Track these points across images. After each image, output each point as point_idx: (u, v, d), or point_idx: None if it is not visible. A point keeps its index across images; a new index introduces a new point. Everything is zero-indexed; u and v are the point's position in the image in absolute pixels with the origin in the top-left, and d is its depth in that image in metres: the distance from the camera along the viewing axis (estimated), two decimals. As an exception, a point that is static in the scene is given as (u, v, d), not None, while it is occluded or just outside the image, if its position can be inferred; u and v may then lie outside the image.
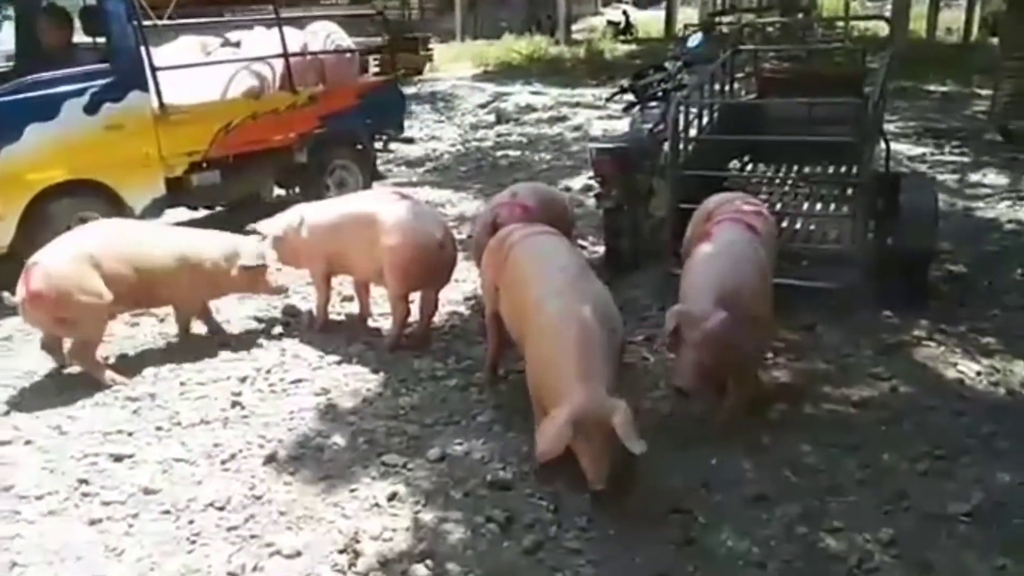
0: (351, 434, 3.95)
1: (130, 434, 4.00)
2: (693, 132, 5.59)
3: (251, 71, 7.19)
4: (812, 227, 5.44)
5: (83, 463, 3.75)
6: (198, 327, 5.15)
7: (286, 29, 7.29)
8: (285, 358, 4.81)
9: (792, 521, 3.22)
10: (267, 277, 5.02)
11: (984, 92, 12.25)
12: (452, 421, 4.07)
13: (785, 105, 6.06)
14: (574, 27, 25.94)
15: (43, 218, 5.69)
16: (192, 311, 5.02)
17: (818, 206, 5.75)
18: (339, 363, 4.72)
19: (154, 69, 6.28)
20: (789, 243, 5.16)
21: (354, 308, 5.41)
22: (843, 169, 5.87)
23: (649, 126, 5.96)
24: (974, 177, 8.31)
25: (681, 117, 5.18)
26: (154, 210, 6.39)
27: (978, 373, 4.33)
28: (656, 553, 3.08)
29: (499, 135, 11.97)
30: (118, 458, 3.78)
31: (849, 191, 5.67)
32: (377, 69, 9.00)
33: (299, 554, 3.11)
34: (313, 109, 7.43)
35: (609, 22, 27.45)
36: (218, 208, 7.71)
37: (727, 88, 6.76)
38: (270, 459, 3.74)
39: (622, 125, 9.21)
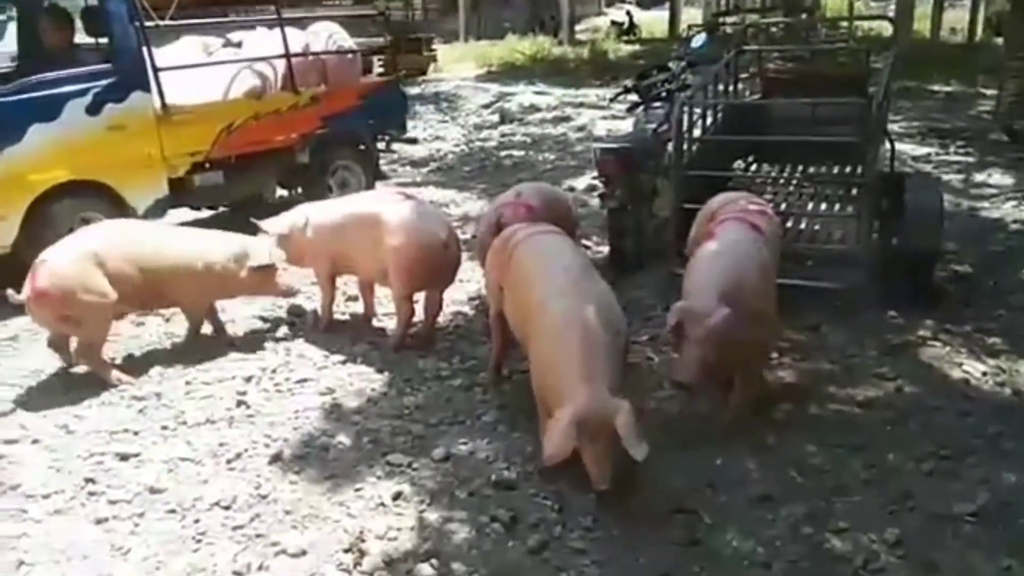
0: (356, 433, 3.96)
1: (136, 433, 4.01)
2: (697, 132, 5.59)
3: (253, 71, 7.20)
4: (817, 227, 5.44)
5: (89, 462, 3.76)
6: (203, 327, 5.16)
7: (288, 29, 7.29)
8: (290, 358, 4.82)
9: (797, 521, 3.22)
10: (277, 278, 4.99)
11: (989, 92, 12.24)
12: (457, 421, 4.07)
13: (789, 105, 6.06)
14: (577, 27, 25.95)
15: (45, 219, 5.70)
16: (201, 312, 5.01)
17: (822, 206, 5.75)
18: (344, 363, 4.73)
19: (156, 69, 6.28)
20: (794, 243, 5.15)
21: (359, 308, 5.42)
22: (847, 169, 5.87)
23: (653, 126, 5.96)
24: (979, 177, 8.30)
25: (685, 117, 5.18)
26: (157, 211, 6.39)
27: (984, 373, 4.32)
28: (661, 553, 3.08)
29: (503, 135, 11.98)
30: (124, 457, 3.79)
31: (853, 191, 5.66)
32: (381, 69, 9.00)
33: (304, 553, 3.12)
34: (315, 110, 7.43)
35: (613, 22, 27.45)
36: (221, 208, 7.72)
37: (731, 88, 6.76)
38: (275, 458, 3.75)
39: (626, 125, 9.22)
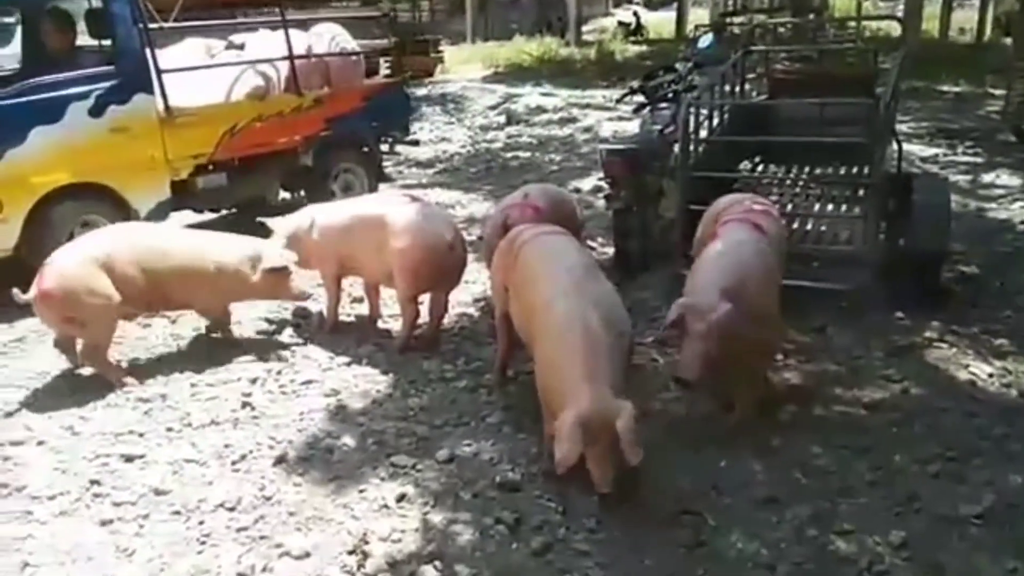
0: (361, 435, 3.96)
1: (141, 435, 4.03)
2: (703, 133, 5.57)
3: (256, 73, 7.20)
4: (823, 228, 5.41)
5: (95, 464, 3.78)
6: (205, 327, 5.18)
7: (291, 31, 7.29)
8: (295, 359, 4.82)
9: (802, 523, 3.21)
10: (289, 282, 4.94)
11: (997, 92, 12.18)
12: (461, 422, 4.07)
13: (796, 106, 6.04)
14: (584, 28, 25.91)
15: (47, 221, 5.71)
16: (218, 314, 5.00)
17: (829, 207, 5.73)
18: (349, 364, 4.74)
19: (159, 71, 6.29)
20: (800, 244, 5.14)
21: (364, 309, 5.43)
22: (855, 170, 5.85)
23: (659, 127, 5.94)
24: (987, 178, 8.27)
25: (692, 118, 5.16)
26: (159, 213, 6.38)
27: (990, 375, 4.30)
28: (665, 555, 3.08)
29: (509, 136, 11.98)
30: (129, 459, 3.80)
31: (861, 192, 5.64)
32: (388, 71, 9.00)
33: (308, 555, 3.13)
34: (318, 112, 7.43)
35: (620, 23, 27.41)
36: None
37: (738, 89, 6.75)
38: (280, 460, 3.76)
39: (632, 126, 9.23)
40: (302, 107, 7.29)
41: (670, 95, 6.35)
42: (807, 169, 6.19)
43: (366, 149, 8.07)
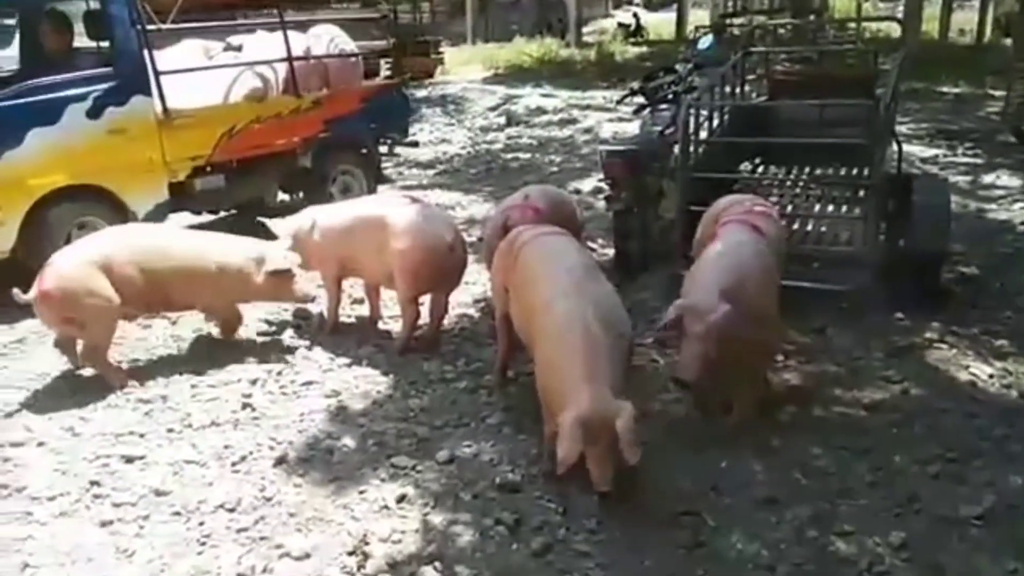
0: (361, 436, 3.96)
1: (141, 436, 4.03)
2: (704, 134, 5.57)
3: (255, 75, 7.20)
4: (823, 229, 5.41)
5: (95, 465, 3.78)
6: (208, 327, 5.18)
7: (289, 33, 7.29)
8: (296, 360, 4.82)
9: (802, 524, 3.21)
10: (293, 284, 4.92)
11: (997, 93, 12.18)
12: (461, 423, 4.08)
13: (796, 107, 6.03)
14: (584, 29, 25.92)
15: (44, 223, 5.71)
16: (225, 315, 4.99)
17: (829, 208, 5.73)
18: (349, 365, 4.74)
19: (157, 73, 6.28)
20: (800, 245, 5.14)
21: (364, 311, 5.43)
22: (855, 171, 5.85)
23: (659, 128, 5.94)
24: (987, 179, 8.27)
25: (692, 119, 5.16)
26: (157, 215, 6.37)
27: (990, 376, 4.30)
28: (665, 556, 3.08)
29: (509, 138, 11.99)
30: (129, 460, 3.80)
31: (861, 193, 5.64)
32: (389, 72, 9.01)
33: (308, 556, 3.13)
34: (317, 113, 7.42)
35: (620, 24, 27.41)
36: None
37: (738, 90, 6.75)
38: (280, 461, 3.76)
39: (632, 127, 9.23)
40: (300, 109, 7.29)
41: (670, 96, 6.36)
42: (807, 170, 6.19)
43: (365, 151, 8.07)
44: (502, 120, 13.06)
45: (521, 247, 3.95)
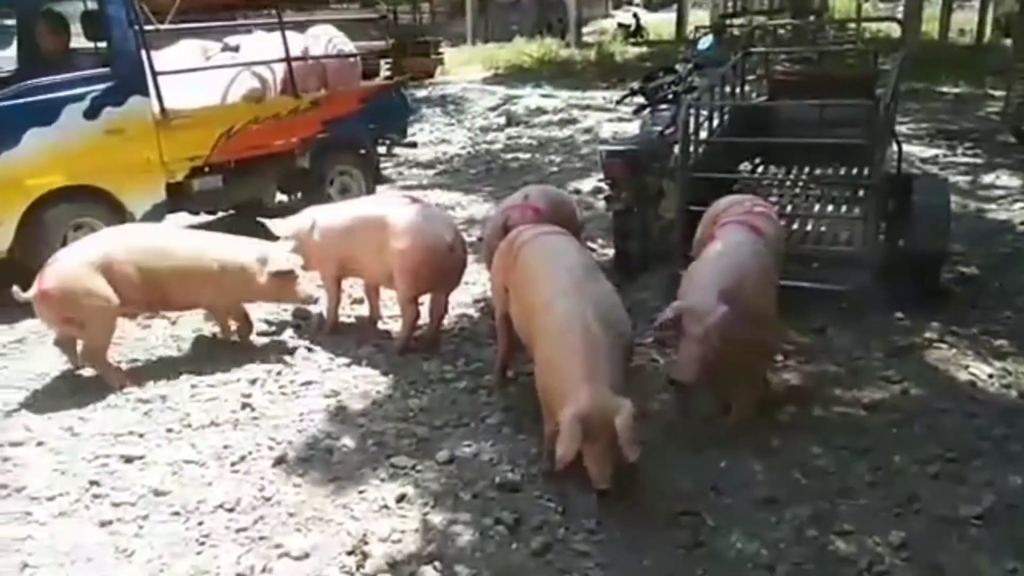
0: (360, 436, 3.96)
1: (141, 436, 4.02)
2: (704, 134, 5.57)
3: (253, 75, 7.18)
4: (823, 229, 5.41)
5: (94, 464, 3.77)
6: (208, 327, 5.18)
7: (287, 33, 7.27)
8: (295, 360, 4.82)
9: (802, 524, 3.21)
10: (296, 285, 4.90)
11: (997, 93, 12.19)
12: (461, 423, 4.07)
13: (796, 107, 6.03)
14: (584, 30, 25.94)
15: (41, 224, 5.70)
16: (233, 317, 4.99)
17: (829, 208, 5.73)
18: (349, 365, 4.74)
19: (155, 73, 6.26)
20: (800, 245, 5.14)
21: (364, 311, 5.43)
22: (855, 171, 5.85)
23: (659, 128, 5.94)
24: (987, 179, 8.27)
25: (691, 119, 5.16)
26: (155, 216, 6.35)
27: (990, 375, 4.30)
28: (665, 556, 3.08)
29: (509, 138, 11.99)
30: (129, 459, 3.80)
31: (861, 193, 5.64)
32: (388, 73, 9.00)
33: (308, 556, 3.13)
34: (315, 114, 7.40)
35: (620, 24, 27.43)
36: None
37: (738, 90, 6.75)
38: (279, 461, 3.76)
39: (632, 127, 9.23)
40: (299, 109, 7.27)
41: (670, 96, 6.36)
42: (807, 170, 6.19)
43: (363, 151, 8.05)
44: (502, 120, 13.06)
45: (521, 247, 3.95)
